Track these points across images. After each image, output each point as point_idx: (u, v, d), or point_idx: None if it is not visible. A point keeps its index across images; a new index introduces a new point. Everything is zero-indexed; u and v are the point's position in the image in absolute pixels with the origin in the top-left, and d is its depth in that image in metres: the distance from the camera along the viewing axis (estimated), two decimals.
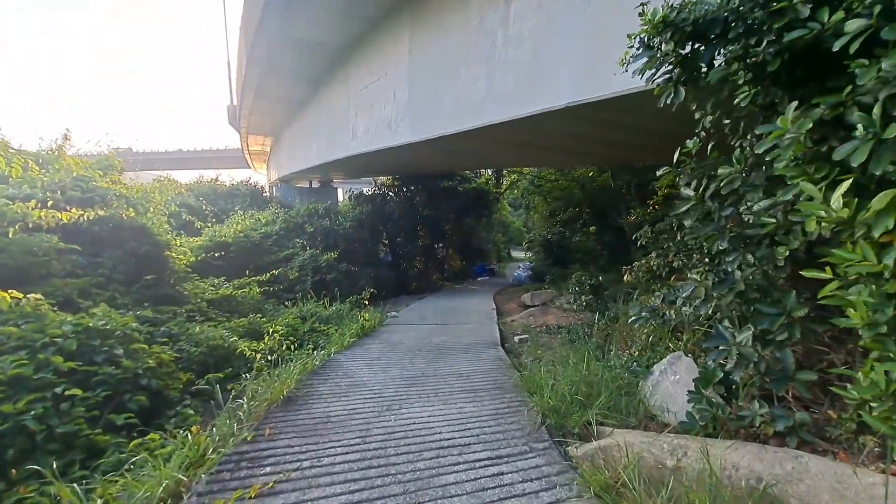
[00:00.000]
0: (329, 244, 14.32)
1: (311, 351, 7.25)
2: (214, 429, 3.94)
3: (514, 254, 37.99)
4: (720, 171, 3.14)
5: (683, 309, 4.94)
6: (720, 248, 3.30)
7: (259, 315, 8.82)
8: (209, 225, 14.75)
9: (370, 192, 18.79)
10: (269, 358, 6.29)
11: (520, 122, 6.06)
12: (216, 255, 12.31)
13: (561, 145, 7.80)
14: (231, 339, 6.61)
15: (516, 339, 7.90)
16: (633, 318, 4.94)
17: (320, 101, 13.60)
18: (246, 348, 6.41)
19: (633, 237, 7.48)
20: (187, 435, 3.72)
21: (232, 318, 9.26)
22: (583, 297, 7.46)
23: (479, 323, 9.40)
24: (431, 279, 18.99)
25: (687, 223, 3.68)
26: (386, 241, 18.54)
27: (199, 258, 12.13)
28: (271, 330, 7.38)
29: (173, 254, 9.11)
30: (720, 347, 3.26)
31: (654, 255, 6.64)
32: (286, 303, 11.06)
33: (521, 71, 5.69)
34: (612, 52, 4.51)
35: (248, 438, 3.78)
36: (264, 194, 22.07)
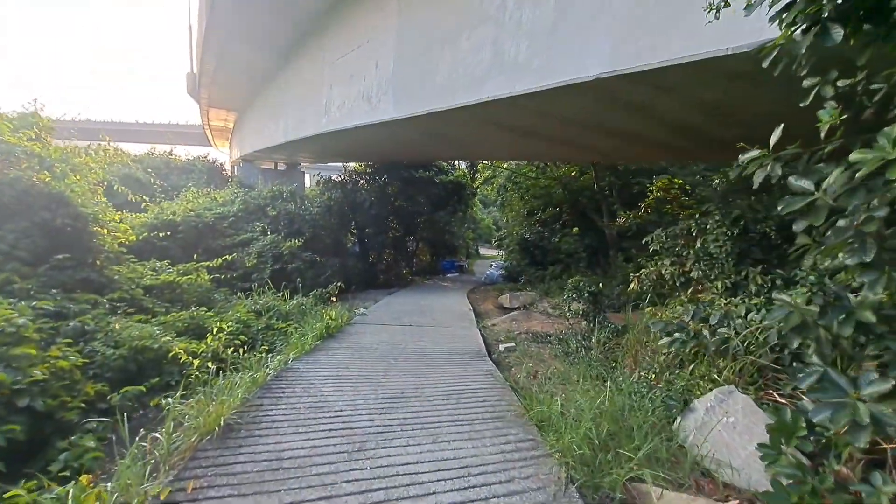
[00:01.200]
0: (293, 230, 12.91)
1: (264, 355, 6.02)
2: (114, 478, 2.76)
3: (483, 251, 37.32)
4: (856, 157, 2.23)
5: (721, 331, 4.12)
6: (861, 260, 2.38)
7: (204, 309, 7.44)
8: (158, 202, 13.02)
9: (340, 179, 17.40)
10: (210, 365, 5.05)
11: (530, 99, 5.04)
12: (161, 235, 10.74)
13: (567, 136, 6.86)
14: (163, 339, 5.29)
15: (502, 347, 6.93)
16: (666, 340, 4.05)
17: (290, 74, 12.13)
18: (182, 351, 5.11)
19: (645, 241, 6.63)
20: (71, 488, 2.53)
21: (173, 309, 7.87)
22: (579, 304, 6.60)
23: (458, 325, 8.38)
24: (401, 273, 17.83)
25: (798, 227, 2.73)
26: (354, 231, 17.22)
27: (140, 237, 10.54)
28: (216, 327, 6.09)
29: (102, 230, 7.58)
30: (834, 400, 2.37)
31: (667, 262, 5.81)
32: (240, 293, 9.67)
33: (539, 35, 4.66)
34: (669, 7, 3.56)
35: (162, 497, 2.61)
36: (224, 172, 20.15)
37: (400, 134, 8.52)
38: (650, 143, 6.40)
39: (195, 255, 9.79)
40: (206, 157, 19.92)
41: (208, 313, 7.08)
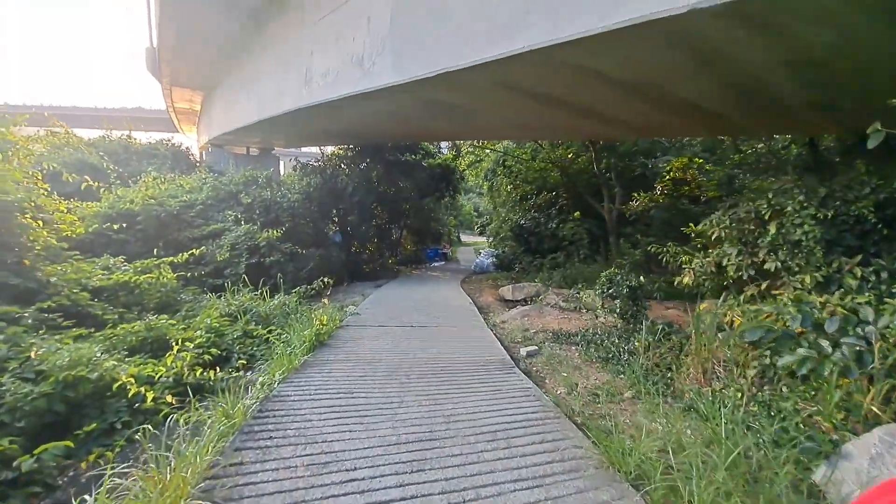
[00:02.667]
0: (269, 220, 11.43)
1: (239, 373, 4.76)
2: None
3: (464, 238, 36.21)
4: None
5: (846, 341, 3.11)
6: None
7: (166, 317, 6.05)
8: (114, 189, 11.29)
9: (319, 164, 15.86)
10: (170, 398, 3.77)
11: (577, 49, 3.87)
12: (117, 226, 9.15)
13: (601, 103, 5.66)
14: (106, 364, 3.94)
15: (523, 351, 5.84)
16: (790, 359, 3.02)
17: (265, 42, 10.54)
18: (131, 380, 3.79)
19: (702, 223, 5.54)
20: None
21: (130, 315, 6.45)
22: (616, 301, 5.55)
23: (466, 324, 7.25)
24: (385, 263, 16.54)
25: None
26: (336, 220, 15.78)
27: (90, 230, 8.94)
28: (180, 340, 4.76)
29: (34, 222, 6.06)
30: None
31: (731, 250, 4.78)
32: (210, 292, 8.25)
33: None
34: None
35: None
36: (191, 157, 18.23)
37: (396, 106, 7.20)
38: (699, 112, 5.34)
39: (155, 250, 8.23)
40: (169, 140, 17.86)
41: (170, 321, 5.70)
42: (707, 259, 5.12)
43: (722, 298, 4.61)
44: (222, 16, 10.56)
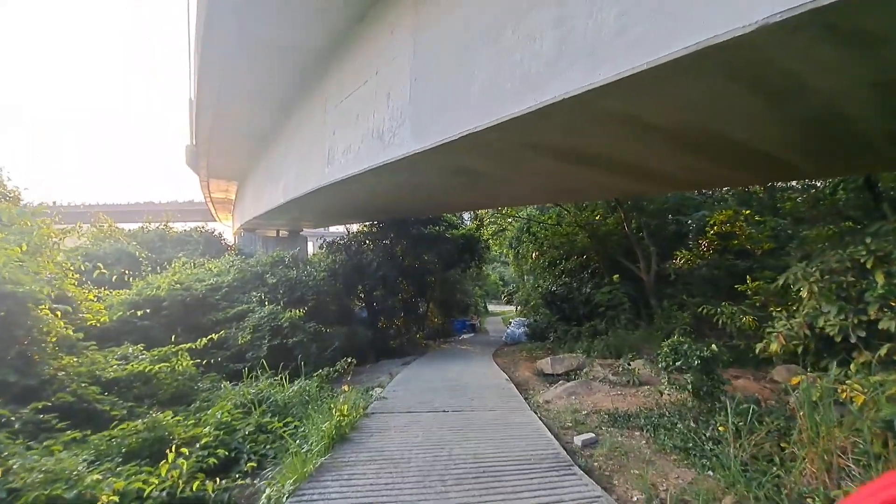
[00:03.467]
0: (294, 299, 11.06)
1: (245, 480, 4.01)
2: None
3: (490, 307, 35.16)
4: None
5: None
6: None
7: (169, 412, 5.42)
8: (145, 276, 11.28)
9: (344, 241, 15.82)
10: None
11: (613, 94, 3.46)
12: (140, 313, 8.88)
13: (639, 156, 5.21)
14: (90, 478, 3.28)
15: (578, 440, 4.89)
16: None
17: (291, 130, 10.89)
18: (114, 499, 3.11)
19: (783, 277, 4.74)
20: None
21: (140, 408, 5.89)
22: (687, 375, 4.65)
23: (506, 407, 6.33)
24: (413, 338, 15.76)
25: None
26: (362, 296, 15.37)
27: (115, 318, 8.67)
28: (177, 445, 4.09)
29: (49, 313, 5.74)
30: None
31: (831, 309, 3.95)
32: (229, 379, 7.67)
33: None
34: None
35: None
36: (223, 241, 18.57)
37: (419, 177, 6.95)
38: (755, 158, 4.77)
39: (173, 336, 7.80)
40: (203, 227, 18.36)
41: (176, 417, 5.05)
42: (795, 320, 4.26)
43: (834, 368, 3.70)
44: (253, 108, 11.04)
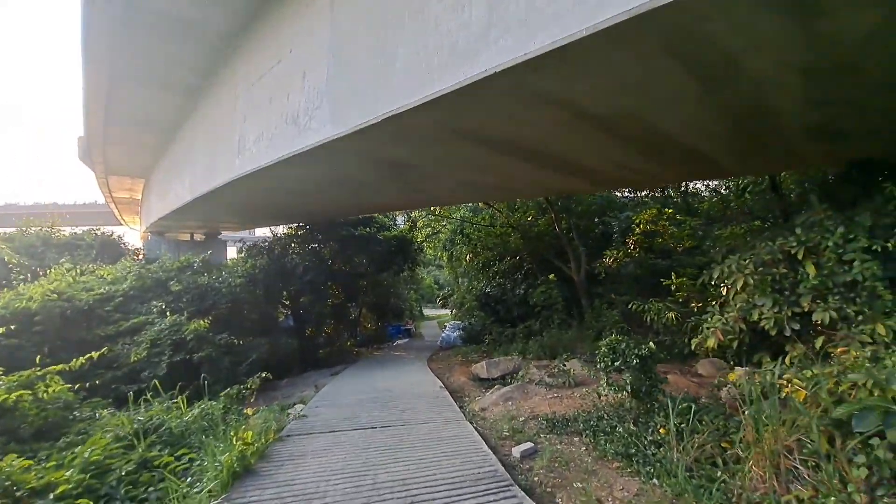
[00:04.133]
0: (205, 308, 9.78)
1: None
2: None
3: (426, 312, 34.65)
4: None
5: None
6: None
7: (34, 449, 4.30)
8: (18, 285, 9.39)
9: (266, 244, 14.53)
10: None
11: (551, 66, 3.10)
12: (3, 330, 7.26)
13: (573, 147, 4.93)
14: None
15: (517, 451, 4.47)
16: None
17: (198, 118, 9.63)
18: None
19: (716, 270, 4.57)
20: None
21: None
22: (626, 375, 4.38)
23: (440, 419, 5.78)
24: (344, 346, 14.82)
25: None
26: (287, 302, 14.16)
27: None
28: (33, 487, 3.10)
29: None
30: None
31: (765, 302, 3.84)
32: (119, 405, 6.43)
33: None
34: None
35: None
36: (123, 245, 16.33)
37: (338, 166, 6.24)
38: (683, 152, 4.67)
39: (38, 358, 6.37)
40: (97, 230, 16.00)
41: (25, 462, 3.94)
42: (730, 314, 4.15)
43: (767, 362, 3.56)
44: (156, 93, 9.63)
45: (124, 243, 16.35)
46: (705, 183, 11.93)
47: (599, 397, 5.08)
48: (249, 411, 5.48)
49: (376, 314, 19.25)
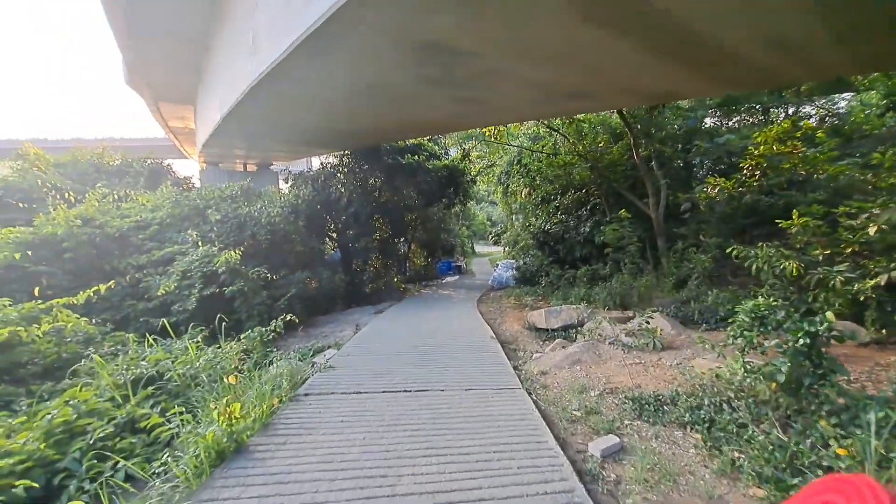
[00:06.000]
0: (243, 239, 8.99)
1: None
2: None
3: (478, 248, 33.45)
4: None
5: None
6: None
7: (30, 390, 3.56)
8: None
9: (311, 173, 13.48)
10: None
11: None
12: (34, 255, 6.80)
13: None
14: None
15: (594, 450, 3.14)
16: None
17: (222, 23, 8.22)
18: None
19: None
20: None
21: None
22: (779, 360, 2.85)
23: (488, 383, 4.53)
24: (392, 282, 13.97)
25: None
26: (334, 235, 13.31)
27: None
28: None
29: None
30: None
31: None
32: (150, 337, 5.79)
33: None
34: None
35: None
36: (172, 173, 15.99)
37: (362, 61, 4.64)
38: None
39: (37, 289, 5.74)
40: (148, 160, 15.66)
41: None
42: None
43: None
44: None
45: (174, 172, 15.95)
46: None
47: (718, 378, 3.55)
48: (234, 377, 4.37)
49: (426, 250, 18.21)
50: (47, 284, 6.72)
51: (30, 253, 6.74)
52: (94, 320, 6.45)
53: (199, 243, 7.85)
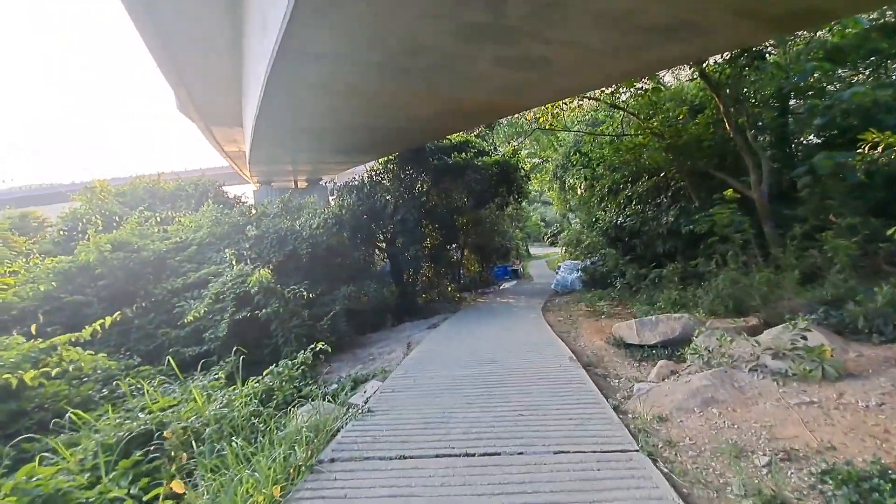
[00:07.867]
0: (285, 255, 8.17)
1: None
2: None
3: (533, 251, 31.48)
4: None
5: None
6: None
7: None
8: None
9: (356, 182, 12.64)
10: None
11: None
12: (69, 285, 6.28)
13: None
14: None
15: None
16: None
17: (243, 18, 7.48)
18: None
19: None
20: None
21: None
22: None
23: (584, 436, 3.13)
24: (445, 291, 12.76)
25: None
26: (382, 245, 12.35)
27: (30, 294, 6.12)
28: None
29: None
30: None
31: None
32: (183, 370, 4.96)
33: None
34: None
35: None
36: (225, 195, 15.91)
37: (385, 18, 3.45)
38: None
39: (33, 327, 4.97)
40: (199, 181, 15.68)
41: None
42: None
43: None
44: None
45: (225, 193, 15.86)
46: None
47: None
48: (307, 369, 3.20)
49: (480, 255, 16.85)
50: (80, 315, 6.17)
51: (66, 283, 6.24)
52: (124, 352, 5.79)
53: (234, 262, 7.06)
